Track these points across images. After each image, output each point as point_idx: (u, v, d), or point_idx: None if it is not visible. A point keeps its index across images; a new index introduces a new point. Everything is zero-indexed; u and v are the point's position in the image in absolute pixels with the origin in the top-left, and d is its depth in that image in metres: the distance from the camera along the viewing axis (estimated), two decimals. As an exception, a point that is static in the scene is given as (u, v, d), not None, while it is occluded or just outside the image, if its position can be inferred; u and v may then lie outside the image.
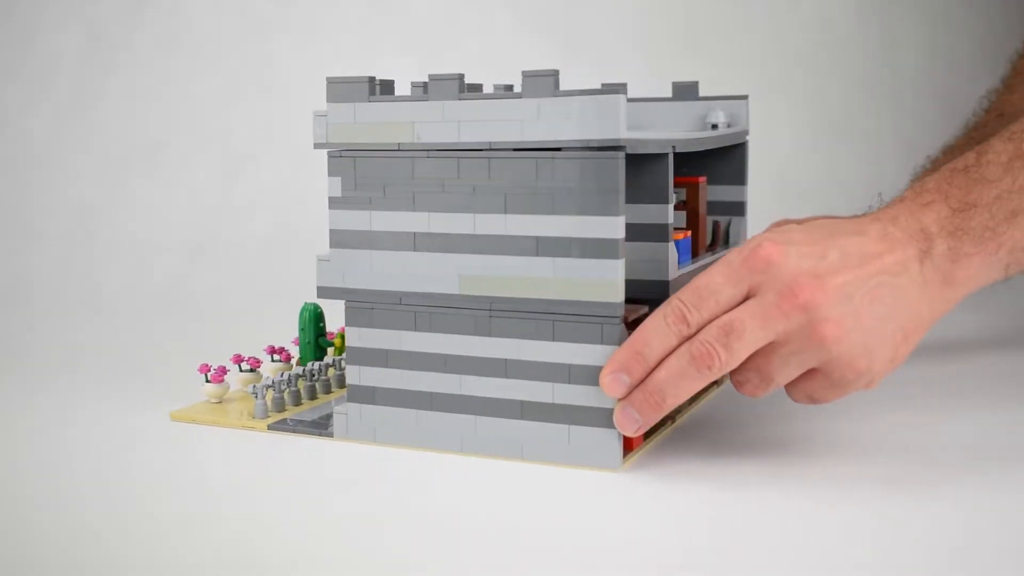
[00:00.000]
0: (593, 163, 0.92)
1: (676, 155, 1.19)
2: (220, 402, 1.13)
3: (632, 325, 0.99)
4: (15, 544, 0.79)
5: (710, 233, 1.26)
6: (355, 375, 1.01)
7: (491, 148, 0.95)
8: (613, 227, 0.91)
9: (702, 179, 1.18)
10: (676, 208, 1.17)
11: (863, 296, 0.87)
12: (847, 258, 0.88)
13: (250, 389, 1.09)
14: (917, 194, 0.97)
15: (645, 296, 1.05)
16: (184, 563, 0.76)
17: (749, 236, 1.28)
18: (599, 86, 1.29)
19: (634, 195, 1.04)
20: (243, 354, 1.18)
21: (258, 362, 1.16)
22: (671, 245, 1.04)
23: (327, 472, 0.94)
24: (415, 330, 0.99)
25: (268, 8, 1.70)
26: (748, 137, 1.26)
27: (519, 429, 0.96)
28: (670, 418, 1.07)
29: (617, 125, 0.90)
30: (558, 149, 0.93)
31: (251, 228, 1.67)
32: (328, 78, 0.99)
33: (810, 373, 0.89)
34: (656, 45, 1.80)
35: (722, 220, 1.26)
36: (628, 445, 0.97)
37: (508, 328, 0.95)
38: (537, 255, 0.94)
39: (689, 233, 1.14)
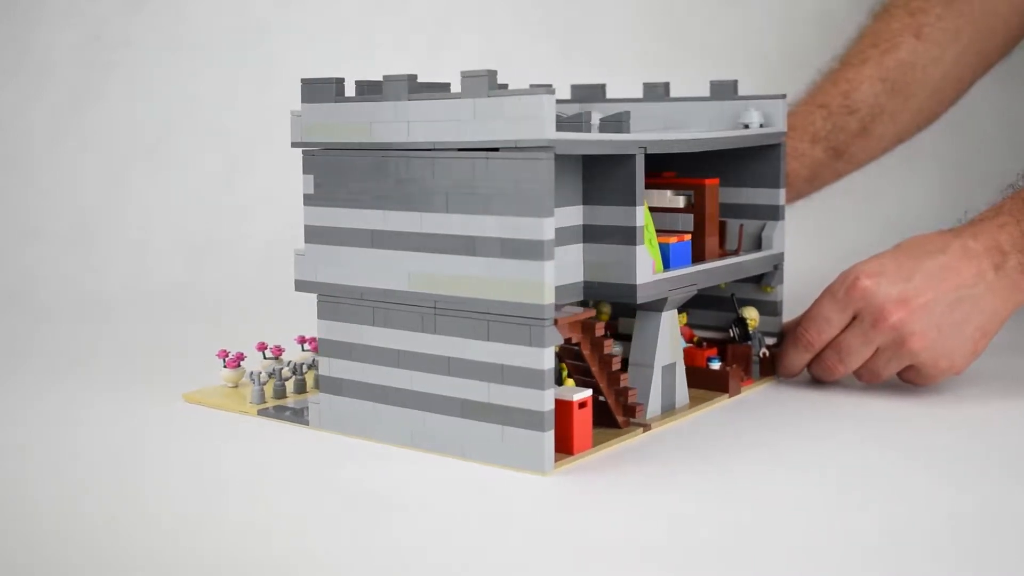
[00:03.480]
0: (522, 164, 0.91)
1: (690, 156, 1.17)
2: (236, 387, 1.19)
3: (593, 329, 0.98)
4: (25, 528, 0.83)
5: (735, 236, 1.21)
6: (326, 367, 1.05)
7: (434, 148, 0.96)
8: (540, 229, 0.90)
9: (711, 181, 1.14)
10: (683, 211, 1.15)
11: (943, 310, 1.09)
12: (929, 278, 1.09)
13: (248, 376, 1.14)
14: (994, 215, 1.15)
15: (615, 299, 1.03)
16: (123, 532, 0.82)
17: (786, 241, 1.23)
18: (626, 84, 1.27)
19: (603, 196, 1.03)
20: (254, 345, 1.22)
21: (280, 350, 1.21)
22: (640, 249, 1.02)
23: (283, 459, 0.98)
24: (373, 325, 1.01)
25: (268, 8, 1.71)
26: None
27: (460, 427, 0.97)
28: (644, 426, 1.04)
29: (543, 126, 0.89)
30: (496, 149, 0.93)
31: (251, 227, 1.66)
32: (302, 79, 1.03)
33: (908, 367, 1.13)
34: (657, 44, 1.75)
35: (746, 223, 1.21)
36: (568, 449, 0.96)
37: (451, 326, 0.96)
38: (475, 255, 0.94)
39: (689, 236, 1.11)
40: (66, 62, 1.66)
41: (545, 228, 0.90)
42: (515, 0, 1.72)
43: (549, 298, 0.91)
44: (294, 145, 1.05)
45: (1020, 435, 1.03)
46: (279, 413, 1.09)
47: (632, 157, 1.00)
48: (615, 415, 1.03)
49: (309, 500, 0.88)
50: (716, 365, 1.17)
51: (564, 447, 0.96)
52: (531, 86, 0.95)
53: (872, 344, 1.11)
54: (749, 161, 1.21)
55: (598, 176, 1.02)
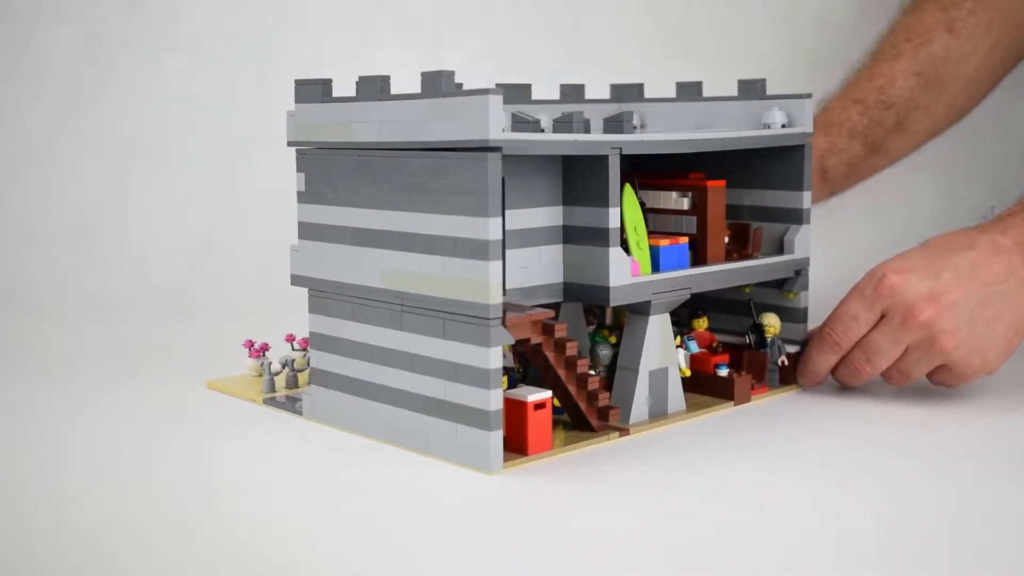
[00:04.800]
0: (469, 164, 0.92)
1: (716, 157, 1.14)
2: (260, 375, 1.23)
3: (553, 330, 0.97)
4: (24, 528, 0.84)
5: (751, 239, 1.18)
6: (316, 359, 1.08)
7: (399, 148, 0.97)
8: (486, 229, 0.91)
9: (713, 183, 1.11)
10: (687, 213, 1.13)
11: (974, 307, 1.06)
12: (959, 274, 1.06)
13: (260, 365, 1.19)
14: (1022, 210, 1.12)
15: (591, 300, 1.03)
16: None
17: (811, 246, 1.19)
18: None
19: (580, 197, 1.02)
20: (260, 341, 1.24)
21: (307, 342, 1.25)
22: (613, 251, 1.00)
23: (265, 451, 1.01)
24: (352, 320, 1.03)
25: (268, 8, 1.69)
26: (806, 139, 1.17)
27: (423, 423, 0.98)
28: (620, 430, 1.03)
29: (487, 126, 0.90)
30: (453, 149, 0.94)
31: (251, 227, 1.65)
32: (296, 80, 1.06)
33: (939, 367, 1.09)
34: (658, 44, 1.71)
35: (772, 227, 1.18)
36: (523, 450, 0.96)
37: (415, 324, 0.98)
38: (433, 254, 0.95)
39: (686, 239, 1.09)
40: (66, 62, 1.66)
41: (491, 228, 0.91)
42: (515, 0, 1.71)
43: (495, 298, 0.91)
44: (290, 144, 1.08)
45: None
46: (281, 403, 1.13)
47: (605, 158, 0.99)
48: (588, 418, 1.02)
49: (267, 495, 0.89)
50: (724, 372, 1.14)
51: (520, 448, 0.96)
52: (475, 85, 0.95)
53: (901, 343, 1.08)
54: (773, 162, 1.18)
55: (576, 177, 1.02)
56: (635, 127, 1.26)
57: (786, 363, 1.17)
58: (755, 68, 1.39)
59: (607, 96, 1.30)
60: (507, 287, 1.00)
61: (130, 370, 1.27)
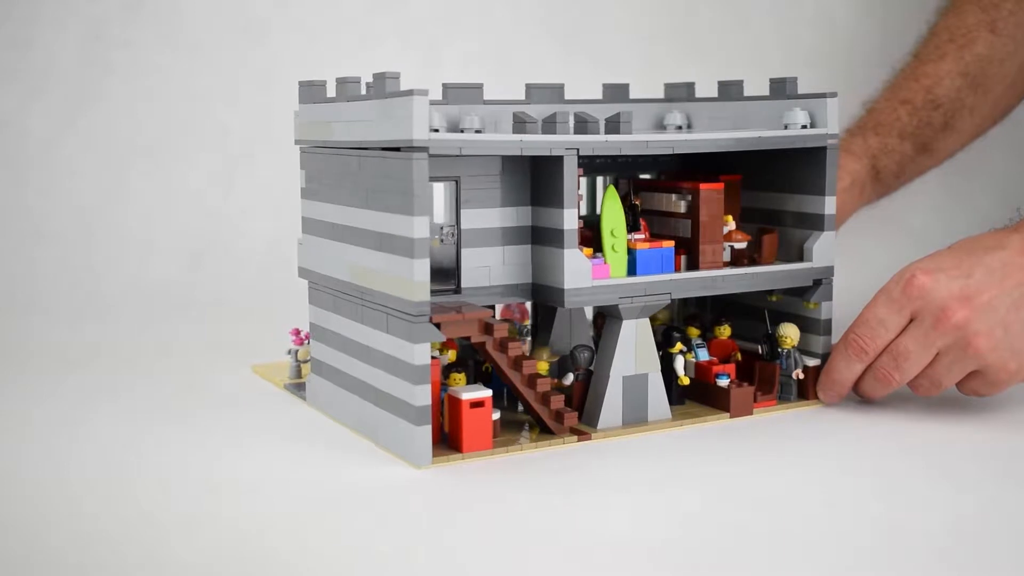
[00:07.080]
0: (401, 163, 0.93)
1: (743, 160, 1.12)
2: (304, 362, 1.30)
3: (493, 330, 0.98)
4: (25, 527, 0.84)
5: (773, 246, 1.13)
6: (314, 348, 1.13)
7: (359, 147, 1.00)
8: (411, 227, 0.92)
9: (708, 185, 1.07)
10: (683, 216, 1.10)
11: (1008, 307, 1.01)
12: (991, 274, 1.02)
13: (287, 352, 1.25)
14: None
15: (549, 302, 1.02)
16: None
17: (835, 254, 1.12)
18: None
19: (542, 198, 1.02)
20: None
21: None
22: (568, 252, 0.99)
23: (256, 428, 1.07)
24: (333, 312, 1.07)
25: (268, 8, 1.66)
26: (830, 141, 1.10)
27: (375, 415, 1.01)
28: (580, 434, 1.02)
29: (411, 127, 0.91)
30: (397, 149, 0.96)
31: (251, 227, 1.63)
32: (300, 81, 1.11)
33: (972, 374, 1.04)
34: (658, 44, 1.63)
35: (796, 233, 1.12)
36: (457, 446, 0.97)
37: (371, 318, 1.00)
38: (379, 250, 0.98)
39: (671, 243, 1.06)
40: (66, 62, 1.66)
41: (416, 227, 0.92)
42: (515, 0, 1.67)
43: (420, 296, 0.93)
44: (296, 142, 1.13)
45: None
46: (296, 389, 1.19)
47: (561, 159, 0.98)
48: (544, 420, 1.01)
49: (227, 485, 0.92)
50: (724, 382, 1.09)
51: (457, 445, 0.97)
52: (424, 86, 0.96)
53: (933, 347, 1.03)
54: (799, 165, 1.12)
55: (541, 178, 1.01)
56: (679, 127, 1.23)
57: (801, 376, 1.11)
58: (756, 68, 1.33)
59: (660, 95, 1.27)
60: (464, 286, 1.01)
61: (130, 369, 1.28)
